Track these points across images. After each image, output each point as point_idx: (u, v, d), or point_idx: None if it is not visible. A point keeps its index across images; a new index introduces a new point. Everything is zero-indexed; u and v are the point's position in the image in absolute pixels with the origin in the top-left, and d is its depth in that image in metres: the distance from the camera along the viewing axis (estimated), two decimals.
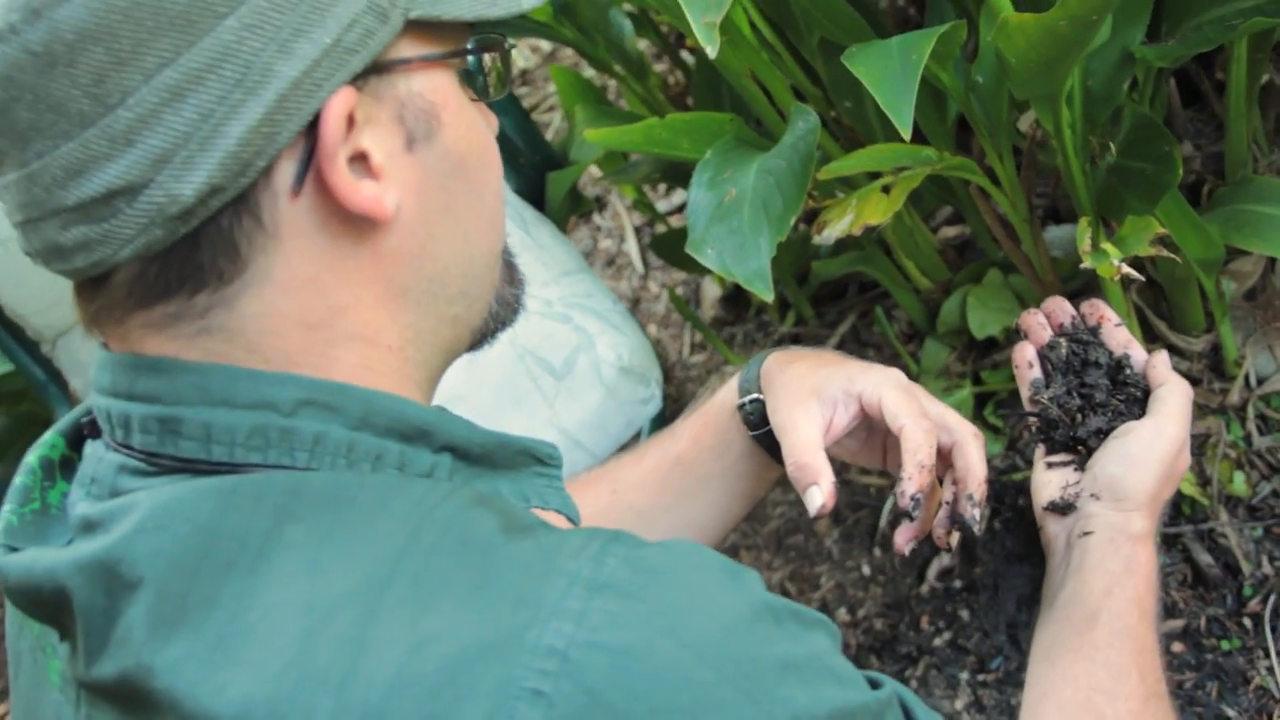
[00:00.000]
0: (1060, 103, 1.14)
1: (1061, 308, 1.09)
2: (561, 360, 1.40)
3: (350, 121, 0.65)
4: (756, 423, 1.04)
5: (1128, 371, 1.03)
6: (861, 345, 1.82)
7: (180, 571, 0.61)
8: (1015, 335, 1.61)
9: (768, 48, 1.41)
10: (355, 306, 0.68)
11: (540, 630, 0.56)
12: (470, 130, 0.72)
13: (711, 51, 0.78)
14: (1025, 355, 1.08)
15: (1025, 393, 1.07)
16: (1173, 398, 0.99)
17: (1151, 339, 1.51)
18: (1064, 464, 1.01)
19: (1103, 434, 0.99)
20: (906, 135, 0.92)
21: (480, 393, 1.38)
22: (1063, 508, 0.98)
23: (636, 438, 1.55)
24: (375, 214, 0.66)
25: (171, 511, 0.63)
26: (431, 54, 0.69)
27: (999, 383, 1.62)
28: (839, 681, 0.64)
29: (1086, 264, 1.04)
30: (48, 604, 0.68)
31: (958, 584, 1.54)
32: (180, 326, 0.66)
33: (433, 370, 0.75)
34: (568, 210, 1.60)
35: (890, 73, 0.96)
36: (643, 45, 1.90)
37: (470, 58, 0.72)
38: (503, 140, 1.52)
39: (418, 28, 0.69)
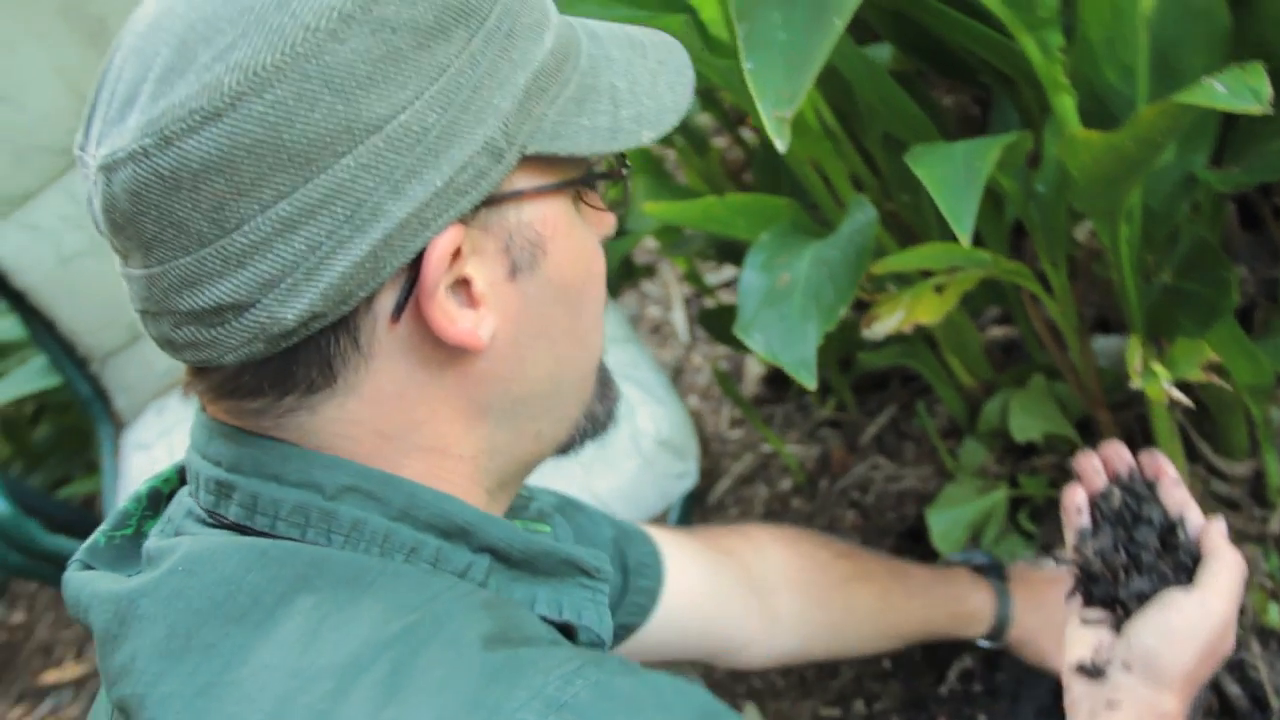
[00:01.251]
0: (1119, 219, 1.15)
1: (1120, 455, 1.05)
2: None
3: (457, 254, 0.68)
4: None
5: (1181, 535, 0.98)
6: (900, 437, 1.81)
7: (194, 614, 0.65)
8: (1055, 441, 1.61)
9: (830, 136, 1.42)
10: (432, 420, 0.72)
11: None
12: (579, 255, 0.75)
13: (781, 146, 0.79)
14: (1075, 500, 1.05)
15: (1070, 539, 1.03)
16: (1225, 572, 0.95)
17: (1193, 459, 1.49)
18: (1099, 622, 0.98)
19: (1145, 598, 0.95)
20: (965, 243, 0.93)
21: None
22: (1093, 672, 0.95)
23: (666, 513, 1.55)
24: (469, 345, 0.69)
25: (203, 560, 0.67)
26: (546, 184, 0.72)
27: (1035, 488, 1.60)
28: None
29: (1135, 384, 1.04)
30: (85, 625, 0.71)
31: (978, 688, 1.53)
32: (262, 419, 0.70)
33: (506, 478, 0.77)
34: (620, 277, 1.61)
35: (953, 179, 0.96)
36: (704, 119, 1.92)
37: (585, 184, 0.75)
38: None
39: (534, 159, 0.71)
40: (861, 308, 1.29)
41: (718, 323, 1.86)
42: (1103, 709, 0.92)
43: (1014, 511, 1.62)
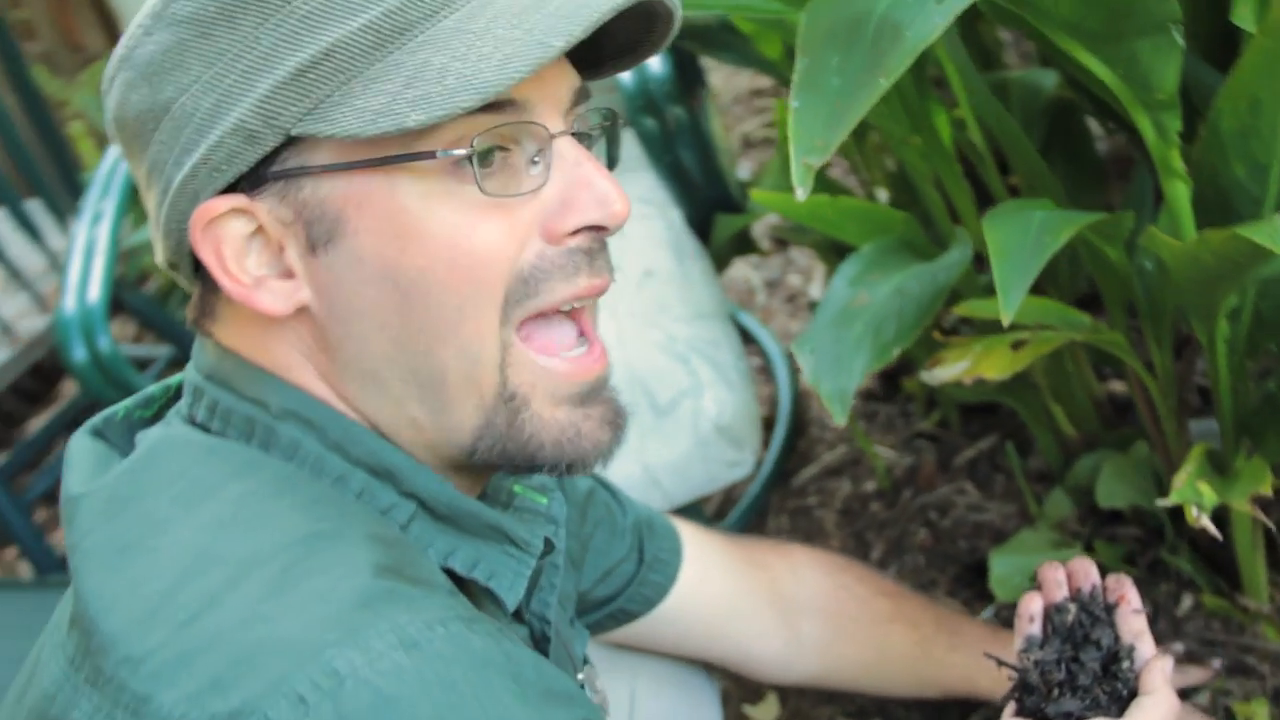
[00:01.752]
0: (1218, 318, 1.07)
1: (1087, 572, 1.03)
2: (667, 399, 1.40)
3: (260, 226, 0.73)
4: None
5: (1125, 664, 0.96)
6: (994, 468, 1.76)
7: (136, 487, 0.73)
8: (1141, 514, 1.54)
9: (963, 160, 1.37)
10: (299, 369, 0.76)
11: (336, 653, 0.62)
12: (403, 236, 0.71)
13: (802, 194, 0.76)
14: (1030, 608, 1.02)
15: (1017, 643, 1.01)
16: (1154, 711, 0.92)
17: (1276, 568, 1.41)
18: None
19: (1070, 718, 0.93)
20: (1006, 321, 0.88)
21: None
22: None
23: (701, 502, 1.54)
24: (265, 311, 0.74)
25: (162, 446, 0.75)
26: (339, 163, 0.71)
27: (1109, 557, 1.54)
28: None
29: (1171, 499, 0.98)
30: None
31: None
32: (222, 335, 0.78)
33: (435, 453, 0.77)
34: (729, 251, 1.59)
35: (1019, 248, 0.92)
36: None
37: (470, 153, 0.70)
38: (680, 172, 1.52)
39: (314, 138, 0.71)
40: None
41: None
42: None
43: None
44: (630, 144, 1.56)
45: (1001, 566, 1.56)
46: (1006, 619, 1.56)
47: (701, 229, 1.57)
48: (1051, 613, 1.01)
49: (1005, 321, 0.88)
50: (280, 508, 0.70)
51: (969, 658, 1.25)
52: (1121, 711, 0.93)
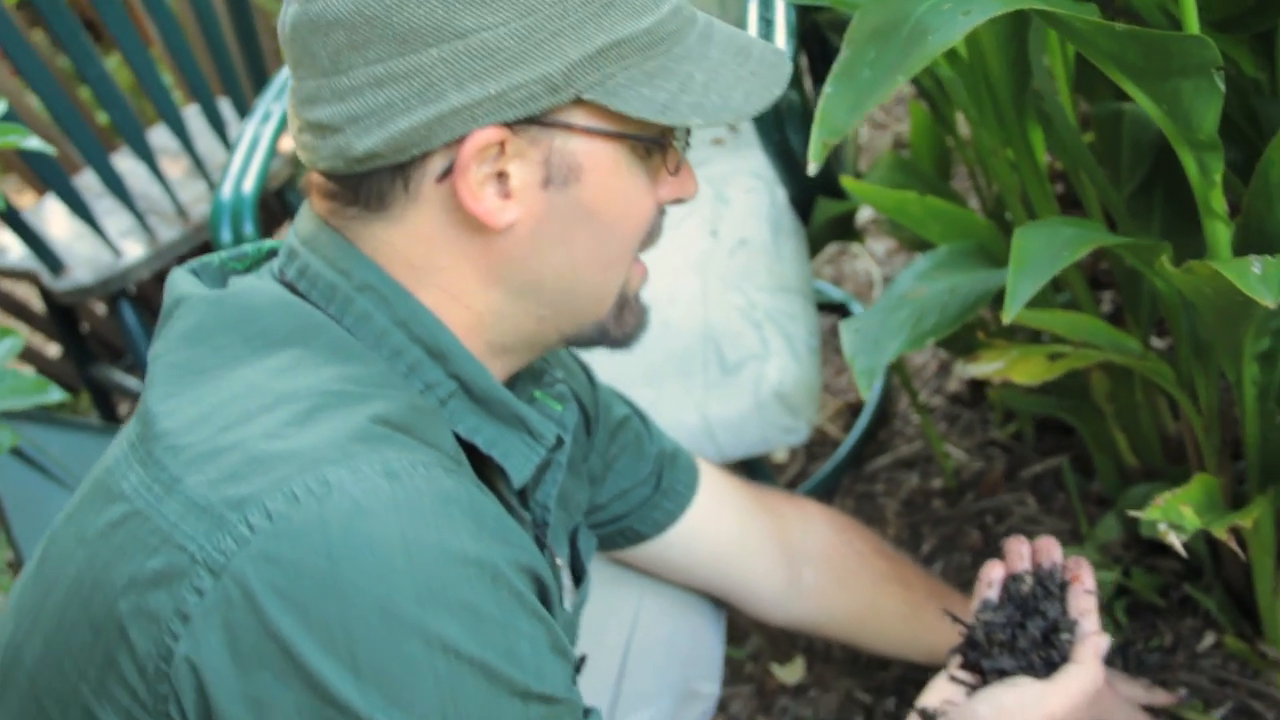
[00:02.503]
0: (1244, 359, 1.12)
1: (1050, 551, 1.12)
2: (735, 359, 1.50)
3: (502, 149, 0.86)
4: None
5: (1064, 636, 1.05)
6: (1058, 486, 1.80)
7: (220, 321, 0.89)
8: (1185, 548, 1.57)
9: (1058, 176, 1.42)
10: (453, 270, 0.90)
11: (330, 469, 0.78)
12: (619, 197, 0.91)
13: (814, 169, 0.86)
14: (991, 574, 1.13)
15: (974, 605, 1.11)
16: (1076, 677, 1.02)
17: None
18: (962, 682, 1.05)
19: (1003, 675, 1.03)
20: (1006, 320, 0.95)
21: (656, 350, 1.50)
22: (927, 716, 1.03)
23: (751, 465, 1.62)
24: (486, 221, 0.88)
25: (249, 291, 0.91)
26: (596, 127, 0.88)
27: (1143, 586, 1.58)
28: (516, 663, 0.79)
29: (1148, 514, 1.04)
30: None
31: None
32: (335, 217, 0.92)
33: (506, 344, 0.95)
34: (826, 235, 1.67)
35: (1036, 256, 0.98)
36: None
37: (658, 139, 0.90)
38: (786, 152, 1.60)
39: (598, 106, 0.87)
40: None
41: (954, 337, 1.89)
42: None
43: (1116, 597, 1.60)
44: (748, 122, 1.65)
45: None
46: None
47: (804, 210, 1.66)
48: (1010, 581, 1.11)
49: (1005, 320, 0.95)
50: (329, 368, 0.85)
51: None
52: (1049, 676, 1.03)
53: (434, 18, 0.83)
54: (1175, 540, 1.02)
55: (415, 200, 0.88)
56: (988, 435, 1.93)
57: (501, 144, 0.86)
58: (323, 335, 0.88)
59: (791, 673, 1.72)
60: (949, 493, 1.87)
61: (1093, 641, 1.04)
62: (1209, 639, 1.52)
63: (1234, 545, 1.03)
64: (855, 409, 2.10)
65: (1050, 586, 1.09)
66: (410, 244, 0.90)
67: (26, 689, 0.86)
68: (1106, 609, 1.59)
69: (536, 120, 0.86)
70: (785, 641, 1.76)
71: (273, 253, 0.99)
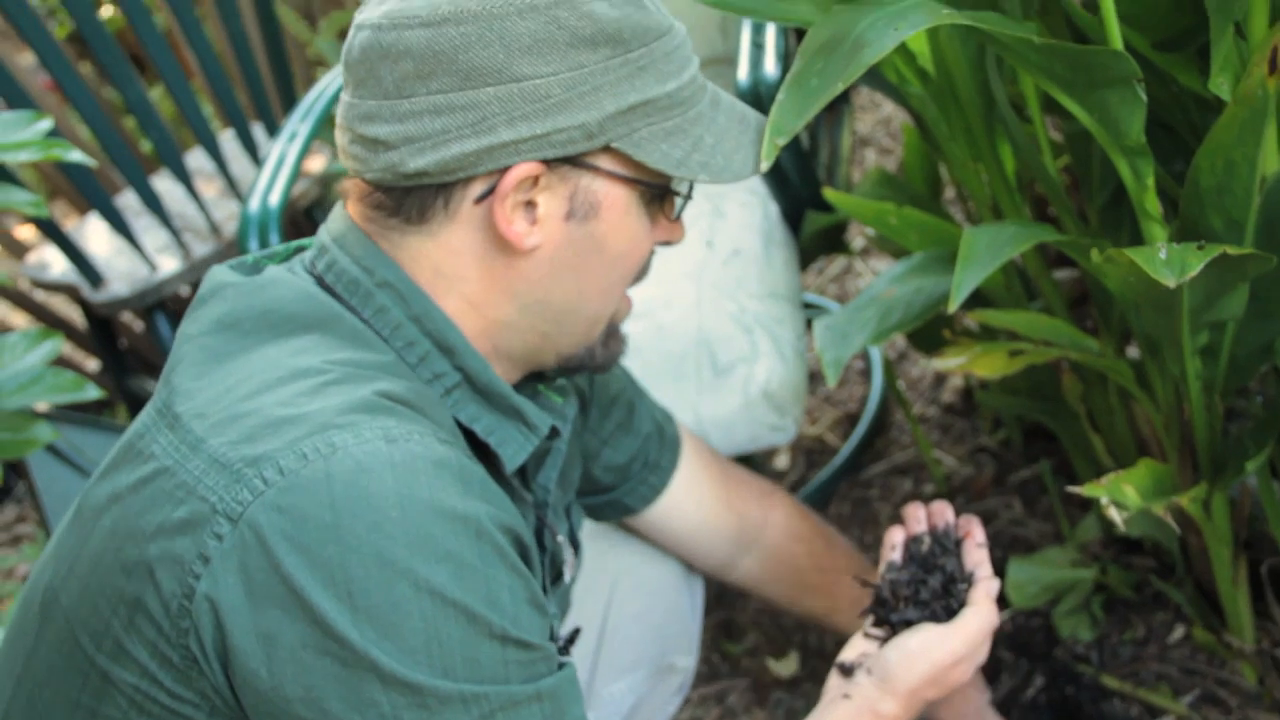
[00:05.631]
0: (1185, 354, 1.20)
1: (943, 513, 1.24)
2: (726, 361, 1.59)
3: (535, 182, 0.98)
4: None
5: (962, 586, 1.16)
6: (1042, 490, 1.88)
7: (248, 309, 0.99)
8: (1159, 549, 1.64)
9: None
10: (475, 281, 1.02)
11: (336, 433, 0.88)
12: (626, 236, 1.04)
13: (765, 166, 0.96)
14: (893, 538, 1.24)
15: (881, 568, 1.21)
16: (973, 619, 1.12)
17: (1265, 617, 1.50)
18: (875, 637, 1.16)
19: (909, 625, 1.13)
20: (951, 309, 1.04)
21: (652, 353, 1.60)
22: (845, 669, 1.14)
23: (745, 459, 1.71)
24: (514, 243, 1.00)
25: (276, 282, 1.01)
26: (618, 173, 1.01)
27: (1119, 583, 1.65)
28: (495, 609, 0.89)
29: (1088, 490, 1.12)
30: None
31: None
32: (371, 224, 1.03)
33: (509, 352, 1.07)
34: (816, 247, 1.76)
35: (980, 252, 1.07)
36: None
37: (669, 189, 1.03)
38: (777, 168, 1.70)
39: (619, 154, 0.99)
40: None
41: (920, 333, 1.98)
42: (839, 698, 1.12)
43: (1095, 592, 1.67)
44: None
45: (1019, 574, 1.69)
46: (1021, 625, 1.69)
47: (796, 224, 1.75)
48: (910, 543, 1.22)
49: (950, 308, 1.04)
50: (343, 355, 0.97)
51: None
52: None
53: (495, 61, 0.95)
54: (1117, 516, 1.10)
55: (453, 218, 1.00)
56: (978, 442, 2.01)
57: (536, 178, 0.98)
58: (342, 324, 0.99)
59: (786, 666, 1.80)
60: (940, 497, 1.95)
61: (985, 585, 1.15)
62: (1179, 631, 1.59)
63: (1171, 522, 1.11)
64: (853, 419, 2.18)
65: (946, 544, 1.20)
66: (442, 255, 1.01)
67: (63, 626, 0.97)
68: (1085, 605, 1.67)
69: (570, 160, 0.98)
70: (780, 637, 1.84)
71: (300, 249, 1.11)
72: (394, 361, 0.99)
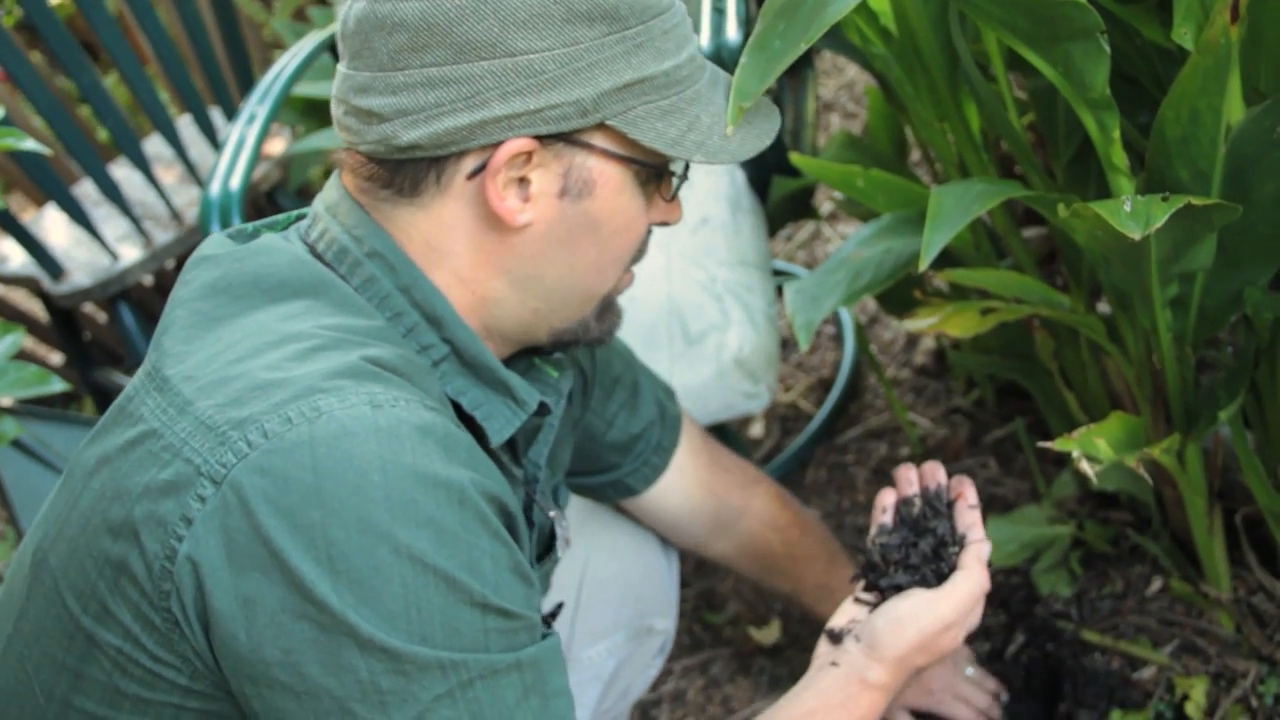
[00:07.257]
0: (1155, 306, 1.20)
1: (934, 474, 1.22)
2: (698, 330, 1.58)
3: (529, 158, 0.97)
4: None
5: (953, 549, 1.13)
6: (1017, 448, 1.88)
7: (240, 275, 0.99)
8: (1135, 503, 1.65)
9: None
10: (466, 256, 1.01)
11: (322, 397, 0.88)
12: (620, 214, 1.03)
13: (731, 130, 0.94)
14: (884, 501, 1.23)
15: (872, 531, 1.20)
16: (964, 584, 1.11)
17: (1241, 565, 1.51)
18: (865, 603, 1.14)
19: (899, 590, 1.11)
20: (922, 267, 1.04)
21: (625, 325, 1.58)
22: (834, 636, 1.13)
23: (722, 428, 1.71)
24: (506, 219, 0.99)
25: (268, 249, 1.01)
26: (613, 151, 0.99)
27: (1096, 538, 1.65)
28: (476, 576, 0.88)
29: (1060, 444, 1.12)
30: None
31: None
32: (365, 196, 1.02)
33: (500, 329, 1.06)
34: (784, 212, 1.75)
35: (950, 209, 1.07)
36: None
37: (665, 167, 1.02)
38: None
39: (614, 132, 0.98)
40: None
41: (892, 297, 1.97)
42: (827, 665, 1.11)
43: (1072, 548, 1.67)
44: None
45: (998, 532, 1.69)
46: (1001, 583, 1.69)
47: (763, 191, 1.74)
48: (901, 506, 1.19)
49: (920, 267, 1.04)
50: (332, 321, 0.96)
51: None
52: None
53: (490, 35, 0.94)
54: (1088, 469, 1.09)
55: (445, 191, 0.99)
56: (952, 403, 2.01)
57: (530, 154, 0.97)
58: (333, 291, 0.98)
59: (768, 635, 1.80)
60: (916, 459, 1.95)
61: (976, 549, 1.14)
62: (1156, 584, 1.60)
63: (1144, 474, 1.11)
64: (827, 384, 2.18)
65: (938, 506, 1.18)
66: (433, 229, 1.00)
67: (51, 587, 0.96)
68: (1063, 561, 1.67)
69: (563, 137, 0.97)
70: (761, 605, 1.84)
71: (301, 217, 1.10)
72: (384, 327, 0.99)
